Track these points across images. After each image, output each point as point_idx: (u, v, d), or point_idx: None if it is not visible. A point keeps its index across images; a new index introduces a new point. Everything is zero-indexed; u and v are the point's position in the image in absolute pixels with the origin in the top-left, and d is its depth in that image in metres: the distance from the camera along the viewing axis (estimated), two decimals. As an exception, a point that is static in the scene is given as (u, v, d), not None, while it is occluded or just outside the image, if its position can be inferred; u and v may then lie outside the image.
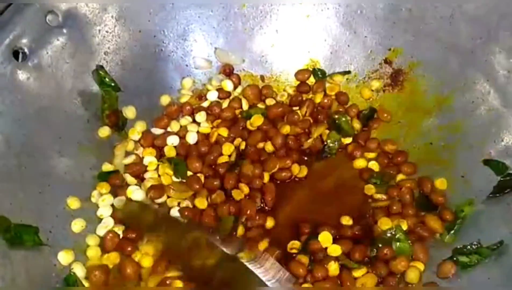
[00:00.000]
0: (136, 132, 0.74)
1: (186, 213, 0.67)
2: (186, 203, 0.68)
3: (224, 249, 0.59)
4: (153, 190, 0.67)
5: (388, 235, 0.64)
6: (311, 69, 0.79)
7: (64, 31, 0.68)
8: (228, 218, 0.67)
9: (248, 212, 0.67)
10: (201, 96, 0.78)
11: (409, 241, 0.63)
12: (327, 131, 0.74)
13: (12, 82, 0.63)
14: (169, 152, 0.72)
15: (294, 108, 0.77)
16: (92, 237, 0.65)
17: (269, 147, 0.73)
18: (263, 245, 0.65)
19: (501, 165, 0.67)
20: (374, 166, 0.73)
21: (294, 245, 0.65)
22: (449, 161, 0.70)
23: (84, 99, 0.71)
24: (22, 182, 0.62)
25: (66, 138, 0.68)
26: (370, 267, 0.63)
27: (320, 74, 0.79)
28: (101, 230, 0.66)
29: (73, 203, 0.66)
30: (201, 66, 0.79)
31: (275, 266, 0.58)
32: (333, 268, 0.62)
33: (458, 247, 0.63)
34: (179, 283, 0.60)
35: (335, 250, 0.64)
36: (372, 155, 0.74)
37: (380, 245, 0.63)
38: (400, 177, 0.71)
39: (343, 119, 0.74)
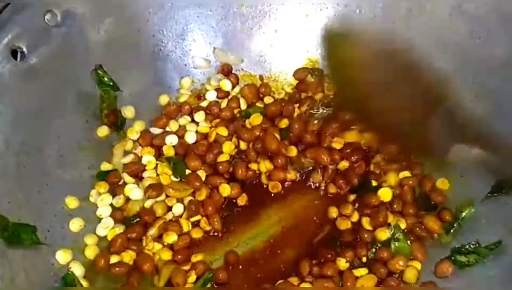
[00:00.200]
0: (134, 131, 0.74)
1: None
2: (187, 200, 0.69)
3: None
4: (152, 189, 0.68)
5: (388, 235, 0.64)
6: (309, 68, 0.79)
7: (63, 30, 0.68)
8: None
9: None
10: (200, 95, 0.78)
11: (408, 241, 0.63)
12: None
13: (11, 81, 0.63)
14: (168, 151, 0.72)
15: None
16: (90, 237, 0.65)
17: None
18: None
19: (500, 165, 0.66)
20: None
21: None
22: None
23: (82, 98, 0.71)
24: (20, 181, 0.62)
25: (65, 138, 0.68)
26: (369, 268, 0.63)
27: (318, 74, 0.78)
28: (101, 230, 0.66)
29: (72, 202, 0.66)
30: (200, 66, 0.79)
31: None
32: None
33: (456, 246, 0.63)
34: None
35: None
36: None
37: (379, 246, 0.64)
38: (402, 174, 0.70)
39: None
